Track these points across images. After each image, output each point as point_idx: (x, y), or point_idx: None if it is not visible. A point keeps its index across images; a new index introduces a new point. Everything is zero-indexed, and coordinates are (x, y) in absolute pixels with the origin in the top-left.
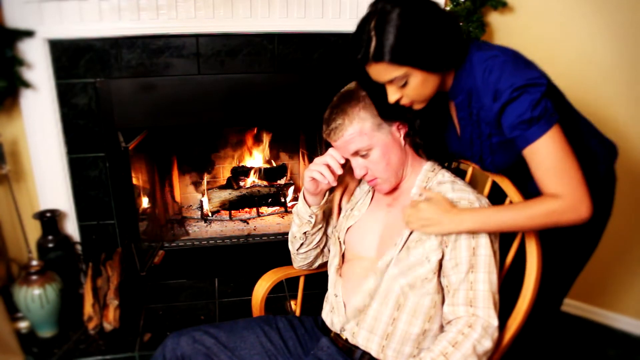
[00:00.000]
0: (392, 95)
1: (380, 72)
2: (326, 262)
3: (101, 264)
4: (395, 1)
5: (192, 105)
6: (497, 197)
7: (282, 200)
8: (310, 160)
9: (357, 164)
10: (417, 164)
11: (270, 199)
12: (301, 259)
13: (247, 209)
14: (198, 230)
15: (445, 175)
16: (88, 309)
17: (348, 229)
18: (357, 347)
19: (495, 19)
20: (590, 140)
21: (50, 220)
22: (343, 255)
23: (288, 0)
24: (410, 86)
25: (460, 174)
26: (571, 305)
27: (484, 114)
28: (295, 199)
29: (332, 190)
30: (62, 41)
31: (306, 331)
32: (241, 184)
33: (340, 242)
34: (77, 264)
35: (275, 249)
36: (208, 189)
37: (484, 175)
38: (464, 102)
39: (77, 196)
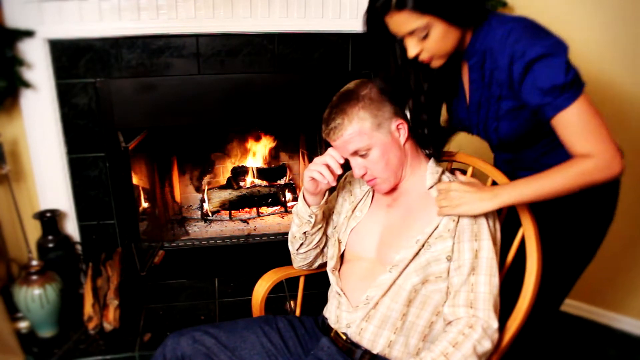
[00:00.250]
0: (412, 48)
1: (402, 22)
2: (326, 262)
3: (101, 264)
4: None
5: (192, 105)
6: None
7: (283, 200)
8: (310, 160)
9: (356, 163)
10: (416, 164)
11: (270, 199)
12: (301, 259)
13: (247, 209)
14: (198, 230)
15: (450, 176)
16: (88, 309)
17: (352, 229)
18: (357, 347)
19: None
20: None
21: (50, 220)
22: (342, 256)
23: (288, 0)
24: (432, 38)
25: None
26: (572, 305)
27: (497, 75)
28: (295, 199)
29: (332, 190)
30: (62, 41)
31: (306, 331)
32: (241, 184)
33: (340, 242)
34: (77, 264)
35: (275, 249)
36: (208, 189)
37: (484, 175)
38: (477, 63)
39: (77, 196)
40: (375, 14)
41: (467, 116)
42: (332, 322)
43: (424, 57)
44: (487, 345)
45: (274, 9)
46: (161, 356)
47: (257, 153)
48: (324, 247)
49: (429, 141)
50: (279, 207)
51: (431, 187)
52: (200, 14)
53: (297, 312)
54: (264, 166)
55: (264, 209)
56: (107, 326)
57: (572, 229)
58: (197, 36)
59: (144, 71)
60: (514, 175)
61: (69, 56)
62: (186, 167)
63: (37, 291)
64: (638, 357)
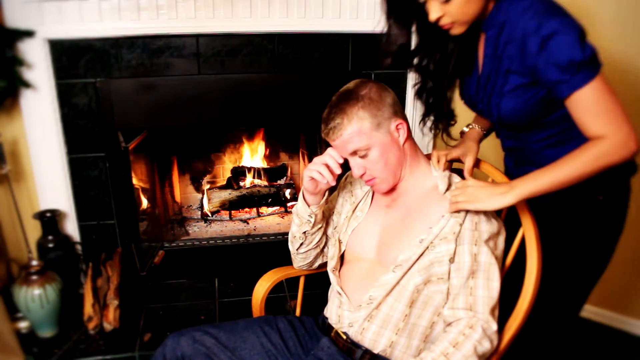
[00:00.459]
0: (434, 12)
1: None
2: (326, 263)
3: (101, 264)
4: None
5: (192, 105)
6: None
7: (283, 199)
8: (310, 160)
9: (355, 163)
10: (415, 164)
11: (270, 199)
12: (301, 259)
13: (247, 209)
14: (198, 230)
15: (459, 177)
16: (88, 309)
17: (353, 230)
18: (358, 346)
19: None
20: None
21: (50, 220)
22: (342, 257)
23: (288, 0)
24: (455, 2)
25: (459, 173)
26: (592, 312)
27: (510, 49)
28: (295, 199)
29: (331, 190)
30: (62, 41)
31: (306, 331)
32: (241, 184)
33: (340, 243)
34: (77, 264)
35: (275, 249)
36: (208, 189)
37: (484, 175)
38: (494, 34)
39: (77, 196)
40: None
41: (475, 91)
42: (333, 321)
43: (445, 21)
44: (487, 346)
45: (274, 9)
46: (161, 356)
47: (257, 153)
48: (324, 247)
49: (433, 110)
50: (279, 207)
51: (446, 190)
52: (200, 14)
53: (297, 312)
54: (264, 166)
55: (264, 209)
56: (107, 326)
57: (584, 234)
58: (197, 36)
59: (144, 71)
60: (517, 171)
61: (69, 56)
62: (186, 167)
63: (37, 291)
64: None
